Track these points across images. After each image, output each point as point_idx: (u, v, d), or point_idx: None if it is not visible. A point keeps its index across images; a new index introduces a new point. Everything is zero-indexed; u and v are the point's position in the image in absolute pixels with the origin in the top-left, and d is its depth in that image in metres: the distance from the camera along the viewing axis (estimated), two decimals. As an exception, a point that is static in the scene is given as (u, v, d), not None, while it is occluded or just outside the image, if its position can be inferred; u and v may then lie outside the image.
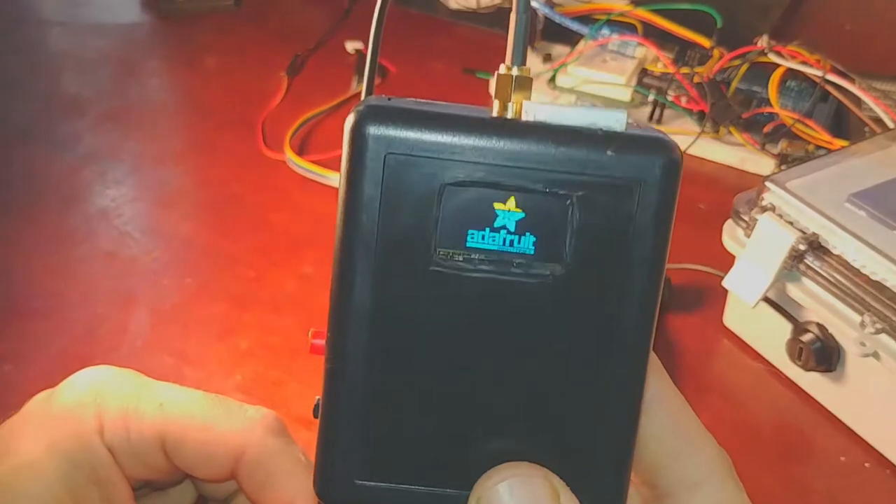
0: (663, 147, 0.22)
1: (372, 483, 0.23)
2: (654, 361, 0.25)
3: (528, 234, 0.22)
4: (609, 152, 0.22)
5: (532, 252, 0.22)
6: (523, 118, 0.22)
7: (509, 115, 0.23)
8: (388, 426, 0.23)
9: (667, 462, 0.25)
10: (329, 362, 0.23)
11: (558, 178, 0.22)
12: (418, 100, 0.23)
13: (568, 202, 0.22)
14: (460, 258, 0.22)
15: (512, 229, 0.22)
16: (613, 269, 0.22)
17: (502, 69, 0.23)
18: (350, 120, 0.22)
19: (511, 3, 0.24)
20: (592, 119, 0.22)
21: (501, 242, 0.22)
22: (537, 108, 0.22)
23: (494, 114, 0.23)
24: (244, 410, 0.32)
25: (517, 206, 0.22)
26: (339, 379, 0.23)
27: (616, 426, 0.23)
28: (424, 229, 0.22)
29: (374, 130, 0.22)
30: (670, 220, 0.22)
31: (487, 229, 0.22)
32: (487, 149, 0.22)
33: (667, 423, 0.25)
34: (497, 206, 0.22)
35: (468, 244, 0.22)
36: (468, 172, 0.22)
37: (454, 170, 0.22)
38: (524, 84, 0.23)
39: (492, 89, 0.23)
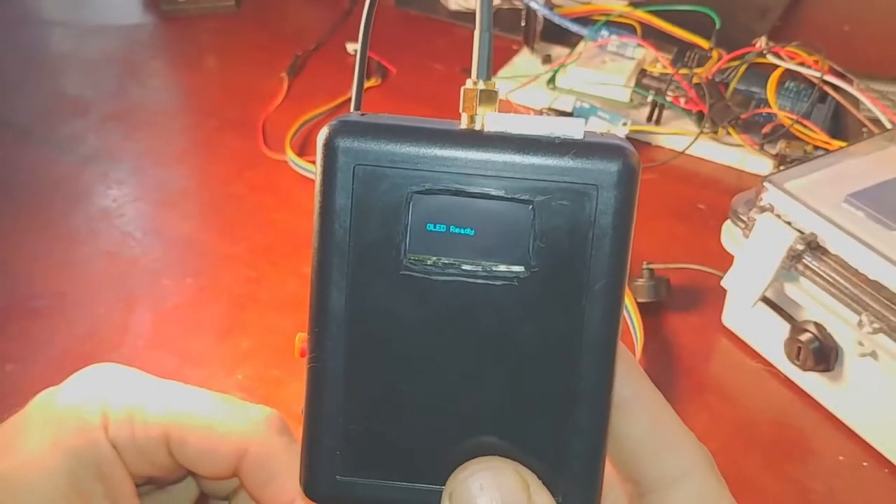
0: (619, 153, 0.23)
1: (352, 478, 0.25)
2: (631, 362, 0.26)
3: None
4: (566, 158, 0.23)
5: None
6: (486, 129, 0.24)
7: (477, 127, 0.24)
8: (366, 423, 0.24)
9: (647, 459, 0.25)
10: (310, 363, 0.24)
11: (518, 184, 0.23)
12: (393, 115, 0.24)
13: (529, 207, 0.23)
14: (429, 263, 0.23)
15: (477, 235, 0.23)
16: (576, 271, 0.23)
17: (469, 83, 0.24)
18: (322, 134, 0.23)
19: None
20: (551, 128, 0.23)
21: None
22: (499, 118, 0.23)
23: (462, 126, 0.24)
24: (247, 409, 0.32)
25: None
26: (318, 378, 0.24)
27: (586, 421, 0.24)
28: (394, 236, 0.23)
29: (343, 143, 0.23)
30: (630, 223, 0.23)
31: None
32: (451, 158, 0.23)
33: (646, 420, 0.26)
34: None
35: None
36: (434, 181, 0.23)
37: (420, 179, 0.23)
38: (490, 97, 0.24)
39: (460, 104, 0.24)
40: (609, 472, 0.25)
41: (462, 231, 0.23)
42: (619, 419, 0.25)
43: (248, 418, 0.32)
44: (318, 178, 0.23)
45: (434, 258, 0.23)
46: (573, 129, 0.23)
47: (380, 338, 0.24)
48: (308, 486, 0.25)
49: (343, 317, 0.24)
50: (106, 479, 0.30)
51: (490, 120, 0.24)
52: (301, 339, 0.26)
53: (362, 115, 0.24)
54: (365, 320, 0.24)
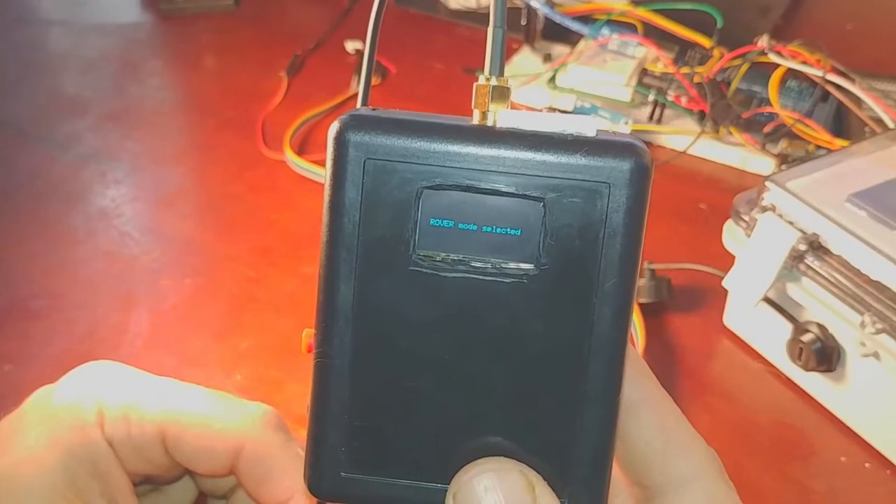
0: (632, 151, 0.23)
1: (357, 475, 0.24)
2: (640, 364, 0.26)
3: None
4: (578, 156, 0.23)
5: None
6: (498, 125, 0.23)
7: (489, 123, 0.24)
8: (372, 420, 0.24)
9: (655, 462, 0.25)
10: (316, 358, 0.24)
11: (530, 181, 0.23)
12: (404, 111, 0.24)
13: (541, 205, 0.23)
14: (438, 259, 0.23)
15: (487, 231, 0.23)
16: (586, 270, 0.23)
17: (481, 79, 0.24)
18: (333, 128, 0.23)
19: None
20: (563, 125, 0.23)
21: None
22: (511, 115, 0.23)
23: (474, 122, 0.24)
24: (244, 406, 0.32)
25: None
26: (325, 374, 0.24)
27: (594, 423, 0.24)
28: (404, 231, 0.23)
29: (354, 137, 0.23)
30: (641, 222, 0.23)
31: None
32: (461, 154, 0.23)
33: (654, 423, 0.25)
34: None
35: None
36: (444, 177, 0.23)
37: (431, 174, 0.23)
38: (502, 93, 0.24)
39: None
40: (616, 474, 0.25)
41: (472, 228, 0.23)
42: (627, 421, 0.25)
43: (244, 415, 0.32)
44: (327, 172, 0.23)
45: (443, 254, 0.23)
46: (586, 127, 0.23)
47: (387, 334, 0.24)
48: (312, 483, 0.25)
49: (351, 312, 0.24)
50: (102, 476, 0.30)
51: (502, 116, 0.23)
52: (308, 334, 0.26)
53: (373, 109, 0.24)
54: (372, 316, 0.24)
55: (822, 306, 0.51)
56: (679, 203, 0.70)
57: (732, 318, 0.59)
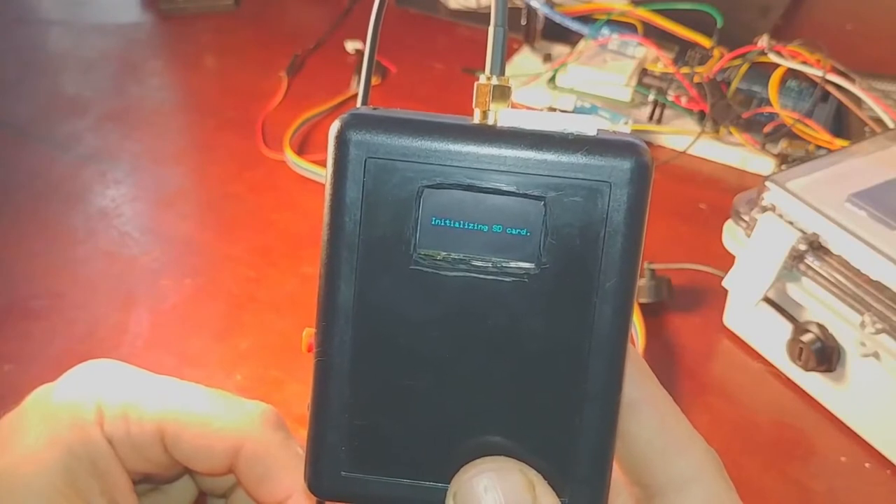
0: (633, 150, 0.23)
1: (357, 475, 0.24)
2: (640, 364, 0.26)
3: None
4: (579, 155, 0.23)
5: None
6: (499, 124, 0.23)
7: (489, 122, 0.24)
8: (372, 419, 0.24)
9: (655, 461, 0.25)
10: (317, 357, 0.24)
11: (531, 180, 0.23)
12: (405, 110, 0.24)
13: (541, 204, 0.23)
14: (439, 258, 0.23)
15: (487, 230, 0.23)
16: (587, 269, 0.23)
17: (482, 79, 0.24)
18: (334, 127, 0.23)
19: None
20: (564, 124, 0.23)
21: None
22: (512, 114, 0.23)
23: (475, 121, 0.24)
24: (243, 405, 0.32)
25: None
26: (325, 373, 0.24)
27: (594, 422, 0.24)
28: (404, 230, 0.23)
29: (355, 136, 0.23)
30: (642, 222, 0.23)
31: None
32: (462, 153, 0.23)
33: (654, 423, 0.25)
34: None
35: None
36: (445, 176, 0.23)
37: (432, 173, 0.23)
38: (503, 93, 0.24)
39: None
40: (616, 474, 0.25)
41: (473, 227, 0.23)
42: (627, 421, 0.25)
43: (243, 414, 0.32)
44: (328, 171, 0.23)
45: (444, 253, 0.23)
46: (586, 126, 0.23)
47: (387, 333, 0.24)
48: (312, 482, 0.25)
49: (351, 311, 0.24)
50: (101, 474, 0.30)
51: (503, 116, 0.23)
52: (308, 333, 0.26)
53: (374, 108, 0.24)
54: (373, 315, 0.24)
55: (822, 306, 0.51)
56: (679, 203, 0.70)
57: (732, 318, 0.59)
